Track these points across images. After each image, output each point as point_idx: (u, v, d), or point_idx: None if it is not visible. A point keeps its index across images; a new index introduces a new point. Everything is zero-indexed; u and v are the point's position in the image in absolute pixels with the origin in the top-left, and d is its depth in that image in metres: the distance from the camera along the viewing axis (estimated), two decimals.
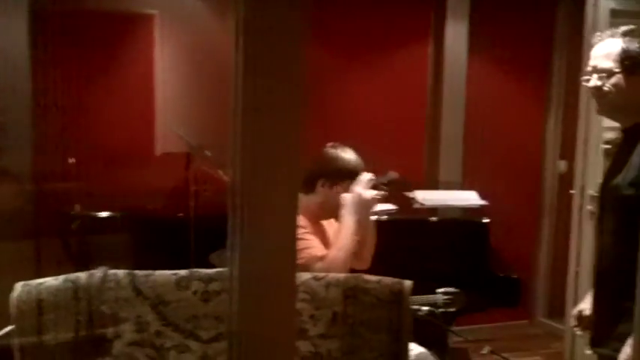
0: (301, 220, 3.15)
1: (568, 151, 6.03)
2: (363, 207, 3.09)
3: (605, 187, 2.65)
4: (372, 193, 3.09)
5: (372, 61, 5.58)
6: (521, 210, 6.02)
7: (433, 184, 5.48)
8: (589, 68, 2.66)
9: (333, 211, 3.22)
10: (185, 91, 5.12)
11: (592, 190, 4.53)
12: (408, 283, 2.65)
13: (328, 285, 2.64)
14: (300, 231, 3.11)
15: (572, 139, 5.91)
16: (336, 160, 3.20)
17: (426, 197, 4.55)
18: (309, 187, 3.22)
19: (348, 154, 3.24)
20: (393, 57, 5.64)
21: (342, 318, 2.60)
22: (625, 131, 2.67)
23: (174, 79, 5.05)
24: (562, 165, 6.02)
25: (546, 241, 6.05)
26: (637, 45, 2.58)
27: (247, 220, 1.23)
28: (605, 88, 2.59)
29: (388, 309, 2.62)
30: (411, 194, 4.65)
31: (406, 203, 4.55)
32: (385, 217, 4.07)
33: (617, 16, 4.82)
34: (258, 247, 1.25)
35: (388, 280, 2.65)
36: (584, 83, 2.70)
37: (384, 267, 3.75)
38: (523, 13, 5.88)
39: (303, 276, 2.65)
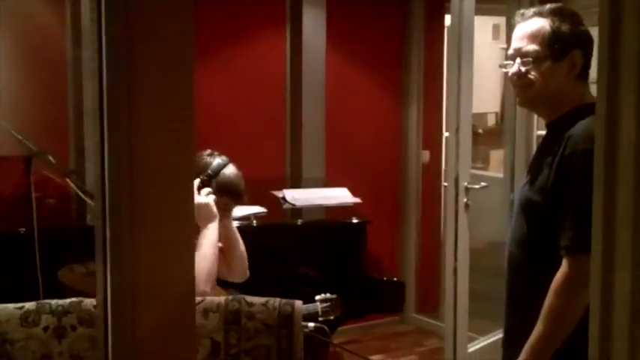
0: None
1: (429, 141, 5.89)
2: (200, 212, 2.77)
3: (524, 182, 2.39)
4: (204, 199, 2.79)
5: (224, 51, 5.22)
6: (387, 204, 5.87)
7: (297, 181, 5.17)
8: (510, 51, 2.37)
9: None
10: (22, 90, 4.58)
11: (466, 182, 4.36)
12: (298, 305, 2.34)
13: (205, 311, 2.28)
14: None
15: (433, 128, 5.86)
16: (223, 175, 2.89)
17: (295, 196, 4.23)
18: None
19: (231, 169, 2.92)
20: (247, 46, 5.30)
21: (223, 348, 2.28)
22: (549, 125, 2.41)
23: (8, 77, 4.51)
24: (425, 155, 5.87)
25: (414, 234, 5.89)
26: (567, 26, 2.32)
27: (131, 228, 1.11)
28: (531, 76, 2.29)
29: (276, 335, 2.31)
30: (279, 193, 4.32)
31: (275, 203, 4.22)
32: (254, 222, 3.72)
33: (482, 1, 4.68)
34: (149, 258, 1.13)
35: (276, 301, 2.32)
36: (503, 70, 2.42)
37: (255, 277, 3.45)
38: (378, 1, 5.67)
39: None
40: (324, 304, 3.13)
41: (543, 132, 4.90)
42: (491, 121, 7.62)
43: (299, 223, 3.95)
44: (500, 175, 5.26)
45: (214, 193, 2.87)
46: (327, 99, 5.39)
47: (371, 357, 5.24)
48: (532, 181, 2.31)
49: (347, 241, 3.78)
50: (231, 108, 5.25)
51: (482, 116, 7.42)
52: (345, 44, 5.58)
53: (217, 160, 2.89)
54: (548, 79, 2.29)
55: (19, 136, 2.84)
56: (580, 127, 2.21)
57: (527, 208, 2.31)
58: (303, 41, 5.25)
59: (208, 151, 2.96)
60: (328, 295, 3.21)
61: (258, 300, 2.32)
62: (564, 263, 2.15)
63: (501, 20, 6.63)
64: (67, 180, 2.84)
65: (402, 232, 5.92)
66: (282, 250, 3.66)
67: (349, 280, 3.58)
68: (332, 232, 3.86)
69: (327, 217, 4.28)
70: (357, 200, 4.20)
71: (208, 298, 2.33)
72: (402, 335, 5.77)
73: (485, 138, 6.81)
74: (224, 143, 5.18)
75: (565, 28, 2.28)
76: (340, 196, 4.26)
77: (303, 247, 3.70)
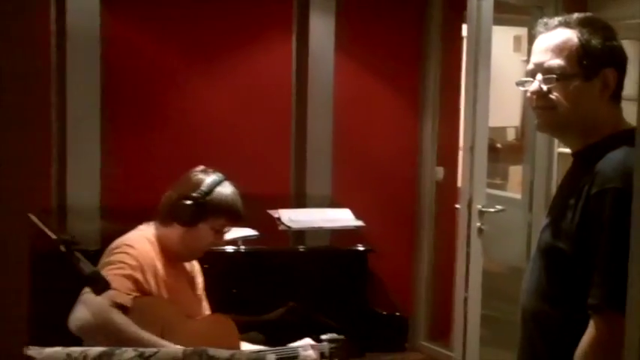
0: (135, 254, 2.57)
1: (444, 157, 5.52)
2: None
3: (546, 223, 2.02)
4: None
5: (225, 59, 4.88)
6: (398, 224, 5.48)
7: (301, 199, 4.81)
8: (530, 66, 2.00)
9: (198, 251, 2.74)
10: None
11: (480, 205, 3.99)
12: (271, 356, 1.98)
13: None
14: (115, 265, 2.50)
15: (448, 144, 5.48)
16: (218, 194, 2.62)
17: (292, 218, 3.89)
18: (186, 221, 2.62)
19: (227, 188, 2.65)
20: (251, 55, 4.96)
21: None
22: (575, 155, 2.04)
23: None
24: (440, 172, 5.48)
25: (426, 256, 5.51)
26: (599, 39, 1.94)
27: None
28: (553, 97, 1.92)
29: None
30: (275, 214, 3.97)
31: (269, 225, 3.88)
32: (242, 247, 3.38)
33: (502, 11, 4.32)
34: None
35: (243, 356, 1.96)
36: (521, 88, 2.05)
37: (244, 309, 3.10)
38: (394, 8, 5.30)
39: (126, 354, 1.91)
40: (332, 345, 2.79)
41: (566, 150, 4.64)
42: (510, 135, 7.25)
43: (289, 249, 3.60)
44: (519, 195, 4.88)
45: (207, 213, 2.58)
46: (335, 110, 5.05)
47: None
48: (554, 224, 1.95)
49: (345, 271, 3.43)
50: (232, 118, 4.91)
51: (502, 130, 7.05)
52: (356, 52, 5.21)
53: (211, 177, 2.62)
54: (576, 100, 1.92)
55: None
56: (610, 161, 1.85)
57: (549, 256, 1.95)
58: (310, 49, 4.92)
59: (201, 168, 2.70)
60: (335, 335, 2.87)
61: (222, 353, 1.97)
62: (592, 324, 1.80)
63: (523, 31, 6.32)
64: None
65: (414, 255, 5.55)
66: (270, 281, 3.32)
67: (345, 314, 3.22)
68: (328, 260, 3.52)
69: (331, 241, 3.93)
70: (360, 223, 3.85)
71: (163, 350, 1.99)
72: None
73: (505, 153, 6.44)
74: (223, 156, 4.89)
75: (596, 41, 1.92)
76: (342, 218, 3.92)
77: (295, 278, 3.35)
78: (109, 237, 2.82)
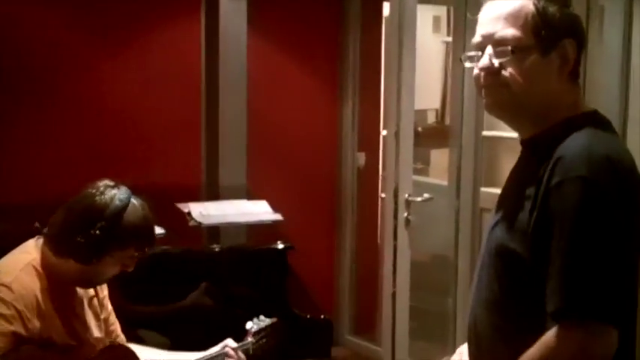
0: (11, 299, 2.13)
1: (366, 141, 5.24)
2: None
3: (495, 221, 1.73)
4: None
5: (130, 41, 4.50)
6: (319, 215, 5.20)
7: (213, 191, 4.46)
8: (477, 39, 1.69)
9: (100, 283, 2.37)
10: None
11: (406, 194, 3.72)
12: None
13: None
14: None
15: (370, 127, 5.21)
16: (124, 223, 2.17)
17: (203, 212, 3.55)
18: (86, 259, 2.18)
19: (135, 211, 2.20)
20: (158, 34, 4.57)
21: None
22: (528, 142, 1.74)
23: None
24: (361, 158, 5.21)
25: (348, 247, 5.23)
26: (556, 6, 1.64)
27: None
28: (506, 73, 1.63)
29: None
30: (185, 208, 3.62)
31: (179, 221, 3.53)
32: (160, 249, 3.01)
33: None
34: None
35: None
36: (466, 64, 1.74)
37: (152, 320, 2.78)
38: None
39: None
40: (257, 337, 2.58)
41: (491, 132, 4.42)
42: (431, 118, 7.03)
43: (199, 249, 3.24)
44: (445, 182, 4.63)
45: (112, 247, 2.17)
46: (249, 94, 4.69)
47: None
48: (506, 222, 1.66)
49: (263, 272, 3.11)
50: (138, 104, 4.51)
51: (422, 113, 6.81)
52: (270, 32, 4.87)
53: (115, 201, 2.15)
54: (533, 78, 1.63)
55: None
56: (573, 146, 1.57)
57: (501, 260, 1.66)
58: (220, 27, 4.53)
59: (102, 185, 2.21)
60: (262, 319, 2.61)
61: None
62: (553, 334, 1.52)
63: (442, 11, 6.09)
64: None
65: (335, 247, 5.27)
66: (180, 285, 2.97)
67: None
68: (244, 260, 3.18)
69: (247, 237, 3.60)
70: (278, 217, 3.53)
71: None
72: None
73: (426, 138, 6.20)
74: (129, 144, 4.52)
75: (553, 8, 1.63)
76: (258, 212, 3.59)
77: (208, 280, 3.01)
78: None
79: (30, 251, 2.25)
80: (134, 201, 2.21)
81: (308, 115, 5.09)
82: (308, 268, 4.00)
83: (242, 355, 2.49)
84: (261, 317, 2.62)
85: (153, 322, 2.87)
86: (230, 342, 2.48)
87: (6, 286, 2.12)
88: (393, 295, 3.79)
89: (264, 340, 2.59)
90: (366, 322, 5.21)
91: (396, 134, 3.71)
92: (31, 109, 4.17)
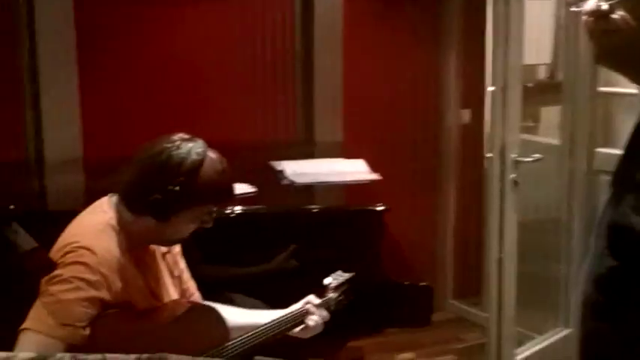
0: (95, 263, 2.02)
1: (470, 97, 4.96)
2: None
3: (612, 193, 1.50)
4: None
5: None
6: (417, 173, 4.94)
7: (309, 149, 4.29)
8: None
9: (178, 241, 2.27)
10: None
11: (514, 154, 3.46)
12: None
13: None
14: (71, 285, 1.95)
15: (475, 82, 4.93)
16: (201, 178, 2.07)
17: (297, 171, 3.38)
18: (163, 216, 2.10)
19: (211, 164, 2.09)
20: None
21: None
22: None
23: None
24: (465, 115, 4.93)
25: (451, 207, 4.99)
26: None
27: None
28: (616, 16, 1.42)
29: None
30: (278, 166, 3.46)
31: (272, 179, 3.38)
32: (240, 208, 2.87)
33: None
34: None
35: None
36: (573, 9, 1.52)
37: (241, 284, 2.65)
38: None
39: None
40: (338, 294, 2.51)
41: (608, 88, 4.10)
42: (541, 74, 6.66)
43: (291, 210, 3.06)
44: (556, 141, 4.33)
45: (189, 203, 2.07)
46: (345, 48, 4.48)
47: (398, 356, 4.42)
48: (621, 196, 1.43)
49: (358, 235, 2.91)
50: (232, 58, 4.35)
51: (531, 69, 6.45)
52: None
53: (191, 156, 2.05)
54: None
55: None
56: None
57: (617, 237, 1.43)
58: None
59: (177, 139, 2.10)
60: (340, 274, 2.55)
61: None
62: None
63: None
64: None
65: (436, 206, 5.03)
66: (269, 248, 2.82)
67: (360, 284, 2.71)
68: (337, 222, 2.98)
69: (341, 197, 3.41)
70: (375, 177, 3.32)
71: (110, 355, 1.49)
72: (438, 327, 4.83)
73: (535, 94, 5.86)
74: (220, 100, 4.40)
75: None
76: (354, 171, 3.39)
77: (298, 243, 2.84)
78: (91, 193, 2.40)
79: (105, 210, 2.15)
80: (211, 154, 2.11)
81: (406, 69, 4.83)
82: (406, 230, 3.81)
83: (324, 312, 2.41)
84: (339, 272, 2.55)
85: (235, 285, 2.74)
86: (312, 298, 2.40)
87: (89, 249, 2.02)
88: (499, 261, 3.55)
89: (343, 296, 2.53)
90: (471, 286, 4.99)
91: (503, 90, 3.43)
92: (121, 64, 4.07)
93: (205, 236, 2.72)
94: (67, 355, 1.48)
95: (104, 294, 1.99)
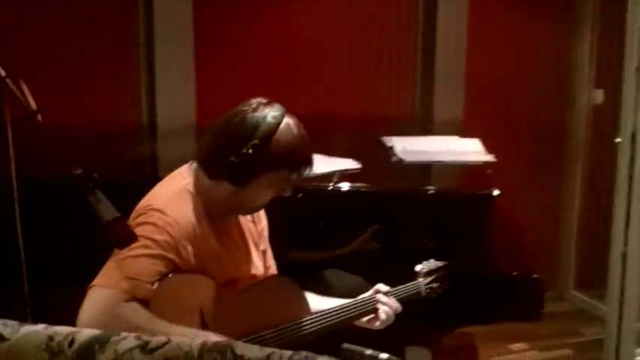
0: (164, 224, 1.97)
1: (604, 78, 4.65)
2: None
3: None
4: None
5: None
6: (539, 157, 4.70)
7: (425, 125, 4.12)
8: None
9: (255, 209, 2.19)
10: None
11: None
12: None
13: None
14: (139, 242, 1.86)
15: (611, 61, 4.62)
16: (277, 142, 2.00)
17: (407, 148, 3.23)
18: (238, 181, 2.03)
19: (288, 130, 2.03)
20: None
21: None
22: None
23: None
24: (598, 95, 4.63)
25: (578, 194, 4.72)
26: None
27: None
28: None
29: None
30: (389, 142, 3.32)
31: (379, 155, 3.25)
32: (344, 185, 2.76)
33: None
34: None
35: (285, 356, 1.35)
36: None
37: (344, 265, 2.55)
38: None
39: (124, 344, 1.38)
40: (429, 280, 2.42)
41: None
42: None
43: (397, 190, 2.91)
44: None
45: (265, 168, 2.00)
46: (470, 22, 4.31)
47: (511, 346, 4.22)
48: None
49: (467, 220, 2.75)
50: (347, 29, 4.23)
51: None
52: None
53: (268, 119, 1.99)
54: None
55: None
56: None
57: None
58: None
59: (254, 102, 2.04)
60: (433, 262, 2.47)
61: (253, 354, 1.37)
62: None
63: None
64: None
65: (562, 189, 4.77)
66: (369, 228, 2.69)
67: (466, 274, 2.56)
68: (445, 206, 2.81)
69: (451, 177, 3.24)
70: (490, 158, 3.13)
71: (175, 342, 1.40)
72: (556, 318, 4.61)
73: None
74: (340, 75, 4.23)
75: None
76: (468, 151, 3.21)
77: (401, 226, 2.70)
78: None
79: (184, 176, 2.11)
80: (288, 119, 2.03)
81: (535, 48, 4.60)
82: (524, 217, 3.61)
83: (395, 303, 2.29)
84: (431, 260, 2.45)
85: (320, 265, 2.65)
86: (381, 287, 2.30)
87: (159, 211, 1.97)
88: (624, 255, 3.29)
89: (436, 284, 2.42)
90: (595, 277, 4.71)
91: (638, 69, 3.16)
92: (237, 33, 4.02)
93: (300, 211, 2.67)
94: (132, 335, 1.41)
95: (172, 255, 1.94)
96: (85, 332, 1.40)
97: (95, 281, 1.87)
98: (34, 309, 1.99)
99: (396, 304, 2.27)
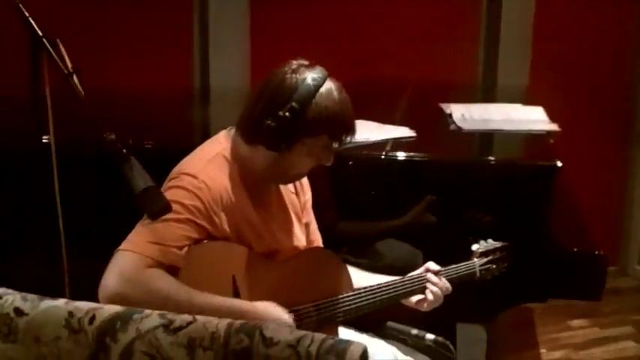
0: (196, 189, 1.86)
1: None
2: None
3: None
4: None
5: None
6: (606, 126, 4.47)
7: (488, 92, 3.97)
8: None
9: (294, 177, 2.07)
10: None
11: None
12: (357, 349, 1.26)
13: (190, 344, 1.28)
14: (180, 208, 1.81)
15: None
16: (316, 106, 1.88)
17: (467, 116, 3.07)
18: (274, 145, 1.91)
19: (330, 93, 1.90)
20: None
21: None
22: None
23: None
24: None
25: None
26: None
27: None
28: None
29: None
30: (447, 109, 3.18)
31: (436, 122, 3.12)
32: (399, 155, 2.63)
33: None
34: None
35: (314, 341, 1.26)
36: None
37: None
38: None
39: (147, 322, 1.31)
40: (485, 261, 2.28)
41: None
42: None
43: (451, 160, 2.76)
44: None
45: (303, 133, 1.89)
46: None
47: (570, 322, 4.08)
48: None
49: (524, 192, 2.59)
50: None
51: None
52: None
53: (308, 81, 1.87)
54: None
55: None
56: None
57: None
58: None
59: (295, 64, 1.92)
60: (491, 242, 2.33)
61: (283, 336, 1.28)
62: None
63: None
64: None
65: (627, 164, 4.58)
66: (420, 200, 2.56)
67: (521, 247, 2.42)
68: (500, 176, 2.65)
69: (511, 146, 3.08)
70: (553, 127, 2.96)
71: (200, 321, 1.32)
72: (619, 294, 4.44)
73: None
74: (391, 35, 4.10)
75: None
76: (530, 119, 3.04)
77: (451, 199, 2.57)
78: None
79: (221, 141, 2.00)
80: (330, 83, 1.90)
81: (601, 19, 4.37)
82: (585, 191, 3.44)
83: (447, 283, 2.15)
84: (489, 240, 2.32)
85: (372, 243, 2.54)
86: (432, 265, 2.16)
87: (191, 175, 1.88)
88: None
89: (492, 266, 2.29)
90: None
91: None
92: None
93: (350, 181, 2.56)
94: (155, 312, 1.33)
95: (202, 221, 1.84)
96: (106, 309, 1.33)
97: (121, 246, 1.78)
98: (71, 283, 1.93)
99: (446, 285, 2.14)
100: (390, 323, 1.94)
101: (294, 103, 1.84)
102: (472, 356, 2.89)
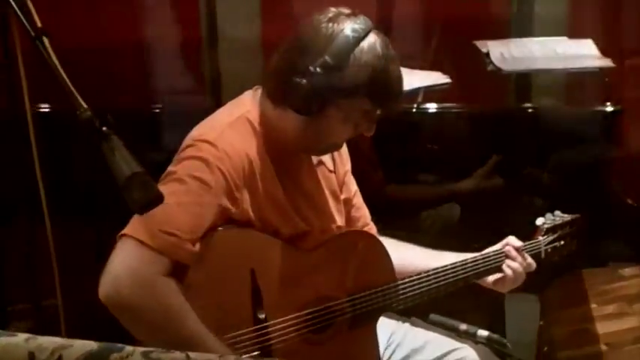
0: (216, 161, 1.56)
1: None
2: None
3: None
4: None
5: None
6: None
7: (525, 26, 3.60)
8: None
9: (329, 147, 1.75)
10: None
11: None
12: None
13: None
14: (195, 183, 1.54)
15: None
16: (356, 62, 1.57)
17: (506, 54, 2.73)
18: (303, 108, 1.60)
19: (372, 48, 1.58)
20: None
21: None
22: None
23: None
24: None
25: None
26: None
27: None
28: None
29: None
30: (484, 47, 2.84)
31: (475, 65, 2.78)
32: (432, 106, 2.32)
33: None
34: None
35: None
36: None
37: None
38: None
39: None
40: (552, 238, 1.97)
41: None
42: None
43: (482, 111, 2.45)
44: None
45: (338, 95, 1.58)
46: None
47: (621, 270, 3.78)
48: None
49: (579, 141, 2.29)
50: None
51: None
52: None
53: (344, 34, 1.56)
54: None
55: None
56: None
57: None
58: None
59: (333, 12, 1.60)
60: (559, 215, 2.02)
61: None
62: None
63: None
64: None
65: None
66: (467, 154, 2.27)
67: (578, 204, 2.13)
68: (551, 125, 2.35)
69: (560, 89, 2.77)
70: (607, 63, 2.61)
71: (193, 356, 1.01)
72: None
73: None
74: None
75: None
76: (579, 55, 2.69)
77: (502, 148, 2.28)
78: None
79: (245, 103, 1.69)
80: (374, 36, 1.58)
81: None
82: None
83: (529, 259, 1.89)
84: (557, 212, 2.02)
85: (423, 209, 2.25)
86: (513, 240, 1.90)
87: (209, 143, 1.57)
88: None
89: (560, 243, 1.99)
90: None
91: None
92: None
93: (383, 143, 2.26)
94: (139, 349, 1.03)
95: (224, 201, 1.56)
96: (76, 346, 1.03)
97: (127, 229, 1.49)
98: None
99: (528, 261, 1.88)
100: (432, 316, 1.64)
101: (327, 57, 1.54)
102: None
